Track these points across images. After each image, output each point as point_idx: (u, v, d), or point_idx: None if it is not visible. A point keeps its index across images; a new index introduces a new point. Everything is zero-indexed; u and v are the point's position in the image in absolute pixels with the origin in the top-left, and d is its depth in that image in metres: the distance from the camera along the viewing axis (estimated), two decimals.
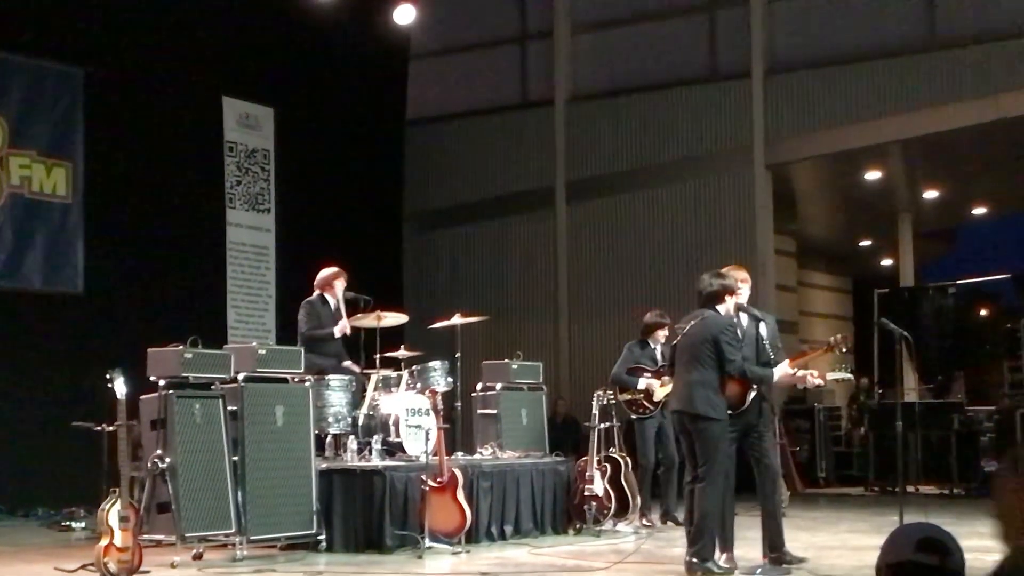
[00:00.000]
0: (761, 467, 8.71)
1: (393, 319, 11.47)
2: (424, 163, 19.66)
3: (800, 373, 8.85)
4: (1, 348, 13.60)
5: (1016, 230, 27.78)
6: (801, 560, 8.80)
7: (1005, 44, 16.16)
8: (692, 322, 8.57)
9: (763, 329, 8.73)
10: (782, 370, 8.57)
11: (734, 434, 8.60)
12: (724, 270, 8.87)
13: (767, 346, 8.67)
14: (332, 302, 11.43)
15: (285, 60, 16.91)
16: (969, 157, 19.14)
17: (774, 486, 8.84)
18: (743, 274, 8.94)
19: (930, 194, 21.44)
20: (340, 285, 11.45)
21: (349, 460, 10.47)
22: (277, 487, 9.59)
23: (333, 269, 11.54)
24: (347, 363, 11.35)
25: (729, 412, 8.49)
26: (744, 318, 8.79)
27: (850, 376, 8.98)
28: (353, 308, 11.48)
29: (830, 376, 8.85)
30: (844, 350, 8.65)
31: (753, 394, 8.57)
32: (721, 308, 8.56)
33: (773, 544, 8.72)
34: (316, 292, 11.45)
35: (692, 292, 8.86)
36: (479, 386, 12.22)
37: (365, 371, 11.31)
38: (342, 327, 11.25)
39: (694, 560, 8.40)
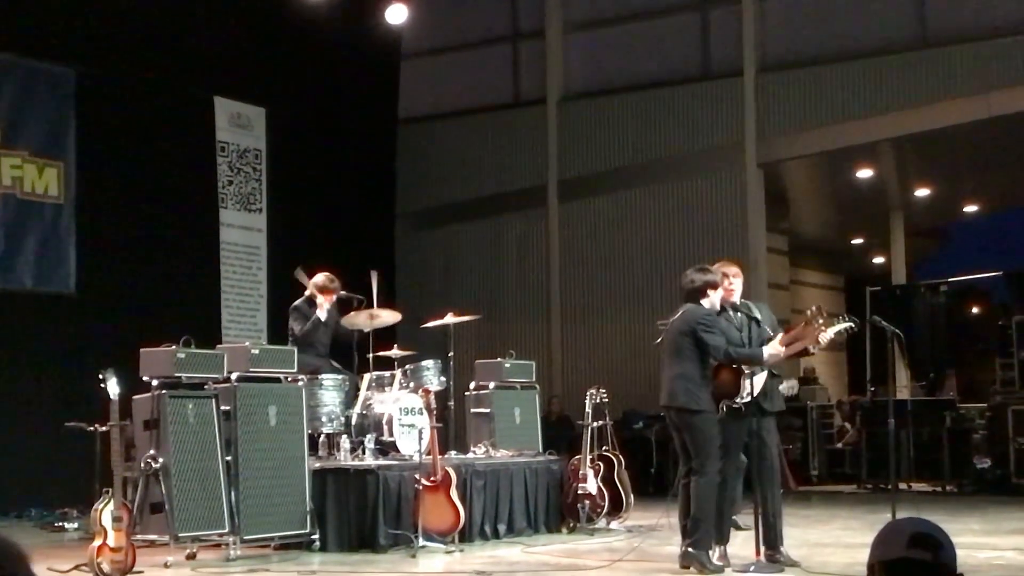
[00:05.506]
0: (763, 465, 8.69)
1: (386, 318, 11.47)
2: (416, 162, 19.66)
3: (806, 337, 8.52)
4: None
5: (1008, 228, 27.82)
6: (795, 564, 8.76)
7: (996, 42, 16.18)
8: (673, 317, 8.60)
9: (758, 317, 8.72)
10: (772, 348, 8.47)
11: (743, 430, 8.56)
12: (715, 264, 8.87)
13: (767, 329, 8.63)
14: (321, 305, 11.31)
15: (277, 60, 16.89)
16: (961, 155, 19.18)
17: (774, 484, 8.81)
18: (734, 268, 8.89)
19: (922, 192, 21.48)
20: (330, 299, 11.34)
21: (342, 459, 10.46)
22: (270, 487, 9.60)
23: (329, 283, 11.38)
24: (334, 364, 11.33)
25: (735, 402, 8.44)
26: (739, 313, 8.77)
27: (851, 324, 8.75)
28: (346, 308, 11.46)
29: (832, 331, 8.65)
30: (821, 320, 8.50)
31: (756, 379, 8.46)
32: (705, 302, 8.54)
33: (770, 542, 8.71)
34: (305, 295, 11.37)
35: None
36: (472, 385, 12.22)
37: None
38: (320, 303, 11.16)
39: (689, 550, 8.40)
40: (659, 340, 8.83)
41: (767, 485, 8.71)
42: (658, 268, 17.96)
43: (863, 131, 17.19)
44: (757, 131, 17.70)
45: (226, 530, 9.28)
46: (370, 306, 11.30)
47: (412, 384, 11.09)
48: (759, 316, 8.76)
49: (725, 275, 8.74)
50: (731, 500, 8.82)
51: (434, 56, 20.05)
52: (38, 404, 13.49)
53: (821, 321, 8.44)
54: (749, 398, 8.49)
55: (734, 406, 8.47)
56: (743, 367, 8.44)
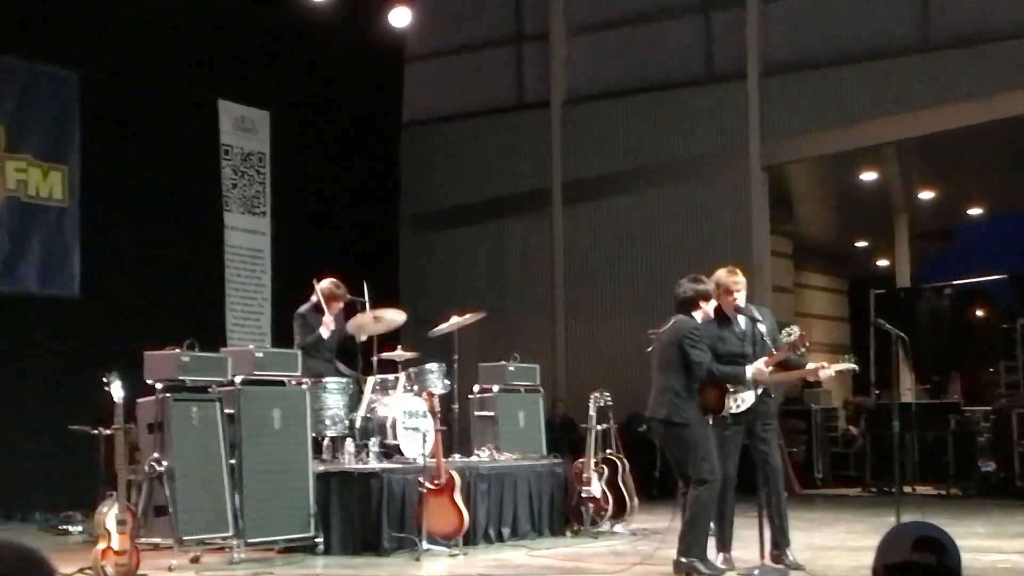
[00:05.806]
0: (766, 467, 8.70)
1: (391, 317, 11.46)
2: (420, 165, 19.66)
3: (811, 366, 8.92)
4: None
5: (1012, 230, 27.79)
6: (799, 567, 8.76)
7: (999, 45, 16.17)
8: (665, 327, 8.63)
9: (761, 328, 8.71)
10: (756, 368, 8.52)
11: (738, 435, 8.59)
12: (717, 273, 8.84)
13: (768, 343, 8.64)
14: (328, 313, 11.30)
15: (280, 63, 16.89)
16: (964, 158, 19.17)
17: (778, 486, 8.83)
18: (737, 277, 8.87)
19: (926, 195, 21.48)
20: (337, 306, 11.33)
21: (346, 463, 10.47)
22: (274, 490, 9.60)
23: (336, 290, 11.35)
24: (341, 366, 11.32)
25: (720, 417, 8.49)
26: (742, 320, 8.77)
27: (854, 366, 8.98)
28: (350, 311, 11.45)
29: (835, 368, 8.86)
30: (803, 350, 8.71)
31: (744, 396, 8.52)
32: (696, 314, 8.52)
33: (776, 543, 8.71)
34: (311, 301, 11.34)
35: None
36: (476, 388, 12.22)
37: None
38: (325, 321, 11.14)
39: (682, 560, 8.42)
40: (649, 349, 8.86)
41: (771, 488, 8.73)
42: (662, 271, 17.93)
43: (867, 134, 17.18)
44: (761, 134, 17.70)
45: (230, 533, 9.29)
46: (362, 312, 11.26)
47: (416, 387, 11.08)
48: (759, 317, 8.76)
49: (728, 292, 8.69)
50: (732, 506, 8.81)
51: (438, 59, 20.05)
52: (42, 407, 13.49)
53: (803, 351, 8.65)
54: (738, 411, 8.52)
55: (722, 416, 8.51)
56: (728, 385, 8.51)
